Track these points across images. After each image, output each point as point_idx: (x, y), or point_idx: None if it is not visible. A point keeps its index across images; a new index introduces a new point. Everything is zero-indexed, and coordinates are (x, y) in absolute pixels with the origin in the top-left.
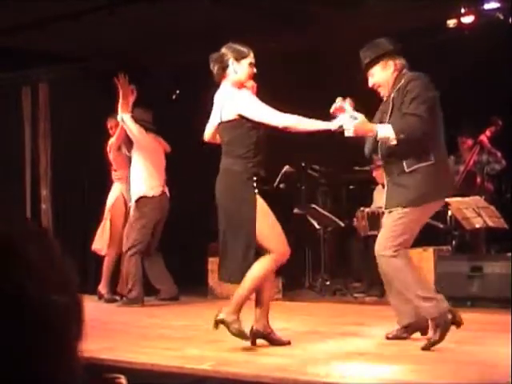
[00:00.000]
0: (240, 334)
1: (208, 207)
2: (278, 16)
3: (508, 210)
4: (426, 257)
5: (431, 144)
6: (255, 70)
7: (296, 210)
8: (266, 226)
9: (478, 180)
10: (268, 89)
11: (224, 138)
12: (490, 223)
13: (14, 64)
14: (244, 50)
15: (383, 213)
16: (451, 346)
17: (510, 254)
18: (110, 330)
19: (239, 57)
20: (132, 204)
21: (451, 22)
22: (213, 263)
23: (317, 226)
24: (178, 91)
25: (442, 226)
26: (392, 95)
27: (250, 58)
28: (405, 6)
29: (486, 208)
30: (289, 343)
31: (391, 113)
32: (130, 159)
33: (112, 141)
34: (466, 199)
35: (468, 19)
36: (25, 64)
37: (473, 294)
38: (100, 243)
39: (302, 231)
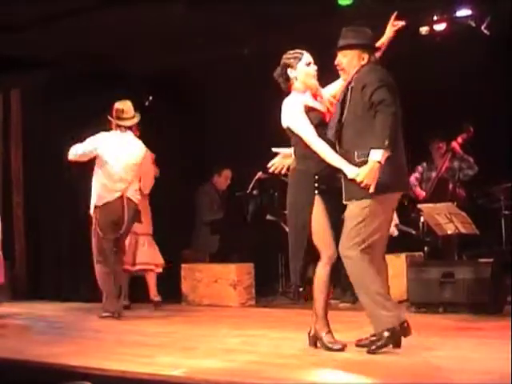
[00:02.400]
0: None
1: (181, 215)
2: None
3: (479, 216)
4: (398, 263)
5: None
6: (315, 67)
7: (269, 217)
8: (322, 226)
9: (450, 186)
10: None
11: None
12: (462, 229)
13: None
14: (296, 53)
15: None
16: (424, 352)
17: (481, 260)
18: (83, 336)
19: (293, 63)
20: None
21: (424, 30)
22: (186, 270)
23: None
24: (150, 97)
25: (414, 232)
26: (351, 85)
27: (305, 59)
28: (377, 12)
29: (458, 214)
30: (345, 346)
31: (348, 104)
32: None
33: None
34: (438, 205)
35: (440, 26)
36: None
37: (445, 300)
38: None
39: (275, 237)
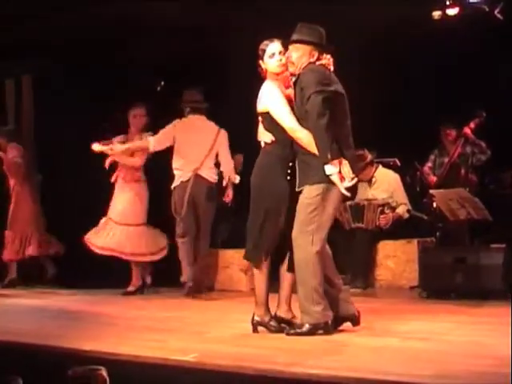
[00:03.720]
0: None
1: None
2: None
3: (492, 201)
4: (409, 248)
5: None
6: (278, 57)
7: None
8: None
9: (462, 172)
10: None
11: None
12: (474, 215)
13: None
14: (263, 45)
15: (366, 205)
16: (436, 337)
17: (493, 246)
18: (95, 321)
19: (261, 55)
20: None
21: (436, 14)
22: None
23: None
24: (162, 82)
25: (426, 217)
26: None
27: (269, 50)
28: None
29: (470, 199)
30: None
31: (294, 103)
32: None
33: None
34: (450, 191)
35: (453, 11)
36: (9, 56)
37: (457, 286)
38: None
39: None
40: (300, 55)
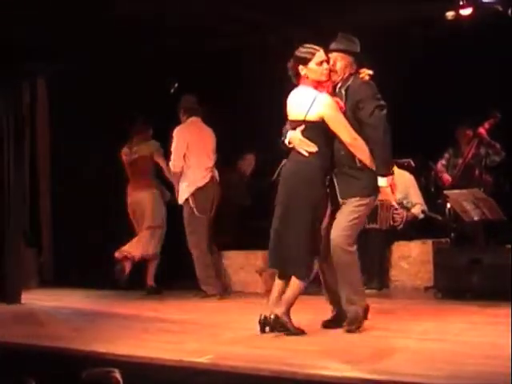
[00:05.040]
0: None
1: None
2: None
3: (507, 201)
4: (424, 249)
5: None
6: (326, 66)
7: None
8: None
9: (477, 173)
10: None
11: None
12: (489, 215)
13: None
14: (309, 50)
15: (379, 205)
16: (451, 338)
17: (508, 246)
18: (111, 323)
19: (305, 60)
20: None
21: (450, 14)
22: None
23: None
24: (176, 84)
25: (440, 218)
26: (342, 91)
27: (317, 58)
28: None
29: (485, 200)
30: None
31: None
32: None
33: None
34: (465, 191)
35: (467, 11)
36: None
37: (472, 286)
38: None
39: None
40: (344, 65)
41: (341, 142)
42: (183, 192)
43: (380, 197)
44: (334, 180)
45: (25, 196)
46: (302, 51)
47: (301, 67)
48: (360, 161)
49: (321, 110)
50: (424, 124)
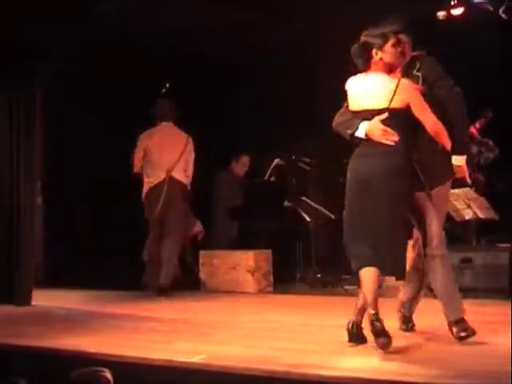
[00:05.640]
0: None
1: (200, 202)
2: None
3: (498, 200)
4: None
5: None
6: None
7: (286, 203)
8: None
9: (468, 172)
10: None
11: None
12: (480, 214)
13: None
14: (382, 33)
15: None
16: (443, 338)
17: (500, 245)
18: (102, 323)
19: (380, 43)
20: None
21: (441, 14)
22: (204, 256)
23: (307, 219)
24: (168, 84)
25: None
26: (417, 73)
27: (392, 39)
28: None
29: (476, 199)
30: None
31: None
32: None
33: None
34: (456, 191)
35: (458, 11)
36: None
37: (463, 286)
38: None
39: (293, 224)
40: (410, 46)
41: (424, 127)
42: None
43: (456, 175)
44: (417, 168)
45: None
46: (374, 34)
47: (375, 51)
48: (442, 145)
49: (407, 96)
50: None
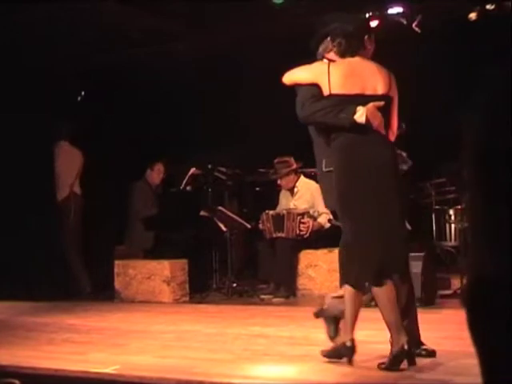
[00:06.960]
0: None
1: (115, 211)
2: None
3: (411, 210)
4: (331, 258)
5: None
6: None
7: (202, 213)
8: None
9: None
10: None
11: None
12: None
13: None
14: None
15: (285, 214)
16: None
17: (412, 254)
18: (14, 335)
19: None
20: None
21: None
22: (119, 266)
23: (223, 229)
24: (83, 93)
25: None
26: None
27: None
28: (309, 10)
29: None
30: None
31: None
32: None
33: None
34: None
35: (373, 23)
36: None
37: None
38: None
39: (209, 233)
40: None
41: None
42: None
43: None
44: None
45: None
46: (358, 21)
47: (366, 37)
48: (326, 165)
49: (395, 88)
50: None
